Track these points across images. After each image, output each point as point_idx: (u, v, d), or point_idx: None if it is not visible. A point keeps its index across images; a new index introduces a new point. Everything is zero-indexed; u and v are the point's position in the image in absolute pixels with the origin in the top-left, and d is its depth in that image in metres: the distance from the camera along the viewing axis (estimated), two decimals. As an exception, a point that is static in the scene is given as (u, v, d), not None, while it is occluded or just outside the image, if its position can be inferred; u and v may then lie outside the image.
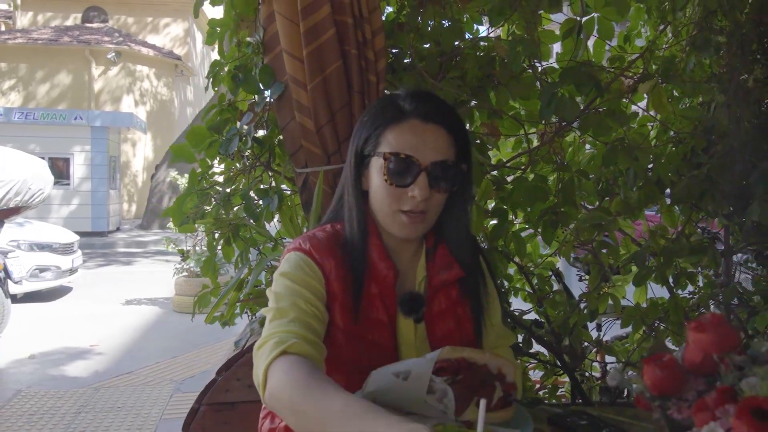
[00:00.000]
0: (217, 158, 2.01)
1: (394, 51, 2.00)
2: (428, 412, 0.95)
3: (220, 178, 2.06)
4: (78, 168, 15.23)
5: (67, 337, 5.94)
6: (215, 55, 1.99)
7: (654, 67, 2.20)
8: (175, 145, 1.98)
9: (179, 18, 20.50)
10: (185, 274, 7.19)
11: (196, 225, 2.01)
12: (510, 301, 2.43)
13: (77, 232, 9.05)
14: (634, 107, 2.33)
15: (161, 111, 19.60)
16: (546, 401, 2.35)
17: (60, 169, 14.93)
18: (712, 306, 2.43)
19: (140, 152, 19.31)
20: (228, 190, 1.98)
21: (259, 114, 1.89)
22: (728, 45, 2.28)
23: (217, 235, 1.99)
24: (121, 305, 7.56)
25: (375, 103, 1.30)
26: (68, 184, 15.03)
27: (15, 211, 5.69)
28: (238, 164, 2.02)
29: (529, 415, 0.99)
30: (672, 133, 2.31)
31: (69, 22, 19.98)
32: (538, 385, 2.44)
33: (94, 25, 19.62)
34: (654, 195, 2.25)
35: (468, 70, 1.97)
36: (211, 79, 1.97)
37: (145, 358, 5.41)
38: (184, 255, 2.88)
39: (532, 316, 2.43)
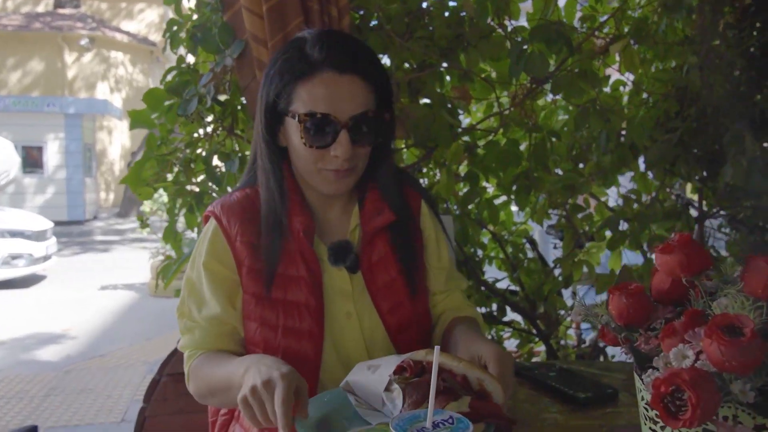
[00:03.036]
0: (178, 124, 1.94)
1: (360, 12, 1.94)
2: (383, 409, 0.88)
3: (182, 145, 2.00)
4: (52, 156, 14.99)
5: (40, 323, 5.83)
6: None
7: (626, 28, 2.17)
8: (133, 111, 1.91)
9: (154, 3, 20.14)
10: (161, 257, 7.08)
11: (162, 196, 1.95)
12: (484, 269, 2.40)
13: (53, 221, 8.88)
14: (607, 70, 2.30)
15: (137, 98, 18.92)
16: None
17: (34, 158, 14.67)
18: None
19: (117, 140, 19.02)
20: (190, 155, 1.92)
21: (220, 75, 1.82)
22: (700, 7, 2.26)
23: (179, 203, 1.92)
24: (96, 291, 7.44)
25: (280, 52, 1.12)
26: (42, 173, 14.77)
27: (-21, 194, 5.55)
28: (200, 130, 1.96)
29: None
30: (645, 95, 2.28)
31: (40, 8, 19.54)
32: (513, 354, 2.41)
33: (67, 11, 19.17)
34: (627, 159, 2.23)
35: (436, 30, 1.92)
36: (170, 41, 1.89)
37: (119, 341, 5.32)
38: (143, 222, 2.83)
39: (508, 285, 2.41)
